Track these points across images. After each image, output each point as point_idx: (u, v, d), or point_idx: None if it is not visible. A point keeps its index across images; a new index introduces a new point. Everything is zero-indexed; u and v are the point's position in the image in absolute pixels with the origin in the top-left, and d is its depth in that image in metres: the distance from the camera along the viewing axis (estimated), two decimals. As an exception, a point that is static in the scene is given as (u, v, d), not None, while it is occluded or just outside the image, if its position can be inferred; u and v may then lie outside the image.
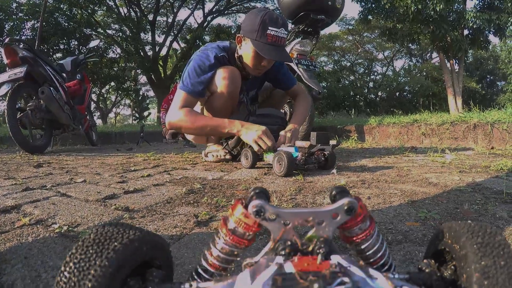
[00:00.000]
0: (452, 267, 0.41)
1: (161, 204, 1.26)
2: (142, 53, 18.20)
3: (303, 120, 2.53)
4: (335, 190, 0.47)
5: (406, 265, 0.72)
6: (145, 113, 22.43)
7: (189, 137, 2.74)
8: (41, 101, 3.62)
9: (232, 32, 19.06)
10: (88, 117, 5.01)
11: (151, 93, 28.42)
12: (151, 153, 3.37)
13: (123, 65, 20.24)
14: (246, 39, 2.17)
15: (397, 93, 27.02)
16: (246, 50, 2.19)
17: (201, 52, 2.26)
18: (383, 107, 24.21)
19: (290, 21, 3.88)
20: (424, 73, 27.15)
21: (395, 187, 1.52)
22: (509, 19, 10.97)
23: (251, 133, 2.05)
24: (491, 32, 12.23)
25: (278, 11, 4.53)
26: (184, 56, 18.54)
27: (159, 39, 20.84)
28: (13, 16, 13.98)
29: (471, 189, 1.44)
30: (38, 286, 0.64)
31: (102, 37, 17.14)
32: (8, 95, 3.31)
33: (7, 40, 3.51)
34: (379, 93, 27.46)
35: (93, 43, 8.32)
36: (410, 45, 18.41)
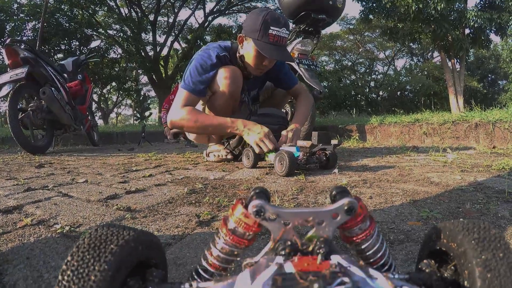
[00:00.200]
0: (452, 267, 0.41)
1: (163, 204, 1.26)
2: (143, 53, 18.20)
3: (304, 119, 2.53)
4: (335, 190, 0.47)
5: (408, 264, 0.72)
6: (147, 113, 22.37)
7: (191, 137, 2.74)
8: (43, 101, 3.63)
9: (233, 32, 19.05)
10: (89, 117, 5.02)
11: (152, 93, 28.44)
12: (153, 153, 3.37)
13: (124, 65, 20.24)
14: (247, 39, 2.17)
15: (398, 93, 26.99)
16: (248, 50, 2.19)
17: (203, 52, 2.26)
18: (384, 107, 24.17)
19: (291, 20, 3.87)
20: (425, 73, 27.08)
21: (397, 186, 1.52)
22: (510, 18, 10.96)
23: (253, 134, 2.05)
24: (492, 31, 12.21)
25: (279, 11, 4.52)
26: (185, 56, 18.55)
27: (160, 39, 20.91)
28: (14, 17, 14.00)
29: (473, 188, 1.43)
30: (40, 286, 0.64)
31: (103, 37, 17.15)
32: (9, 95, 3.32)
33: (8, 41, 3.51)
34: (380, 93, 27.42)
35: (94, 44, 8.33)
36: (411, 44, 18.41)
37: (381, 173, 1.92)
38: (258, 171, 2.09)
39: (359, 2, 13.24)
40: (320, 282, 0.30)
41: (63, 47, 15.18)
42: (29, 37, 13.94)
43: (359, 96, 24.47)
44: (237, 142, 2.47)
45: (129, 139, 6.74)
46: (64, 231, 0.94)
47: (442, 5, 10.34)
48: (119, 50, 18.46)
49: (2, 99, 8.10)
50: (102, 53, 16.41)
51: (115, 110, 35.14)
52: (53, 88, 3.69)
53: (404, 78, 27.47)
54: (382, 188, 1.49)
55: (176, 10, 20.16)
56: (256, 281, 0.33)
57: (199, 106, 2.38)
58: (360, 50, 28.33)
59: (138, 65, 18.28)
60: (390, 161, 2.50)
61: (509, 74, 24.12)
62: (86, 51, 14.59)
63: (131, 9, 18.90)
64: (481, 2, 12.55)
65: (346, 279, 0.32)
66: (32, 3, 14.26)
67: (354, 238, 0.45)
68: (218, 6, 19.90)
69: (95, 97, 22.02)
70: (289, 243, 0.41)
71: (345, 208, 0.42)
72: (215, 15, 20.31)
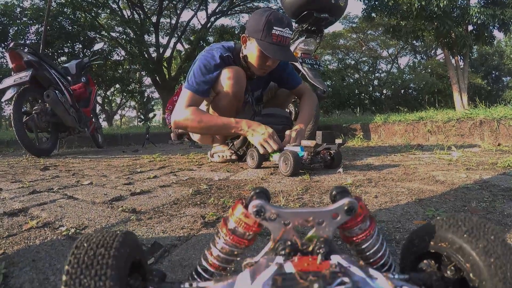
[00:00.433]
0: (452, 267, 0.42)
1: (168, 205, 1.26)
2: (146, 55, 18.24)
3: (309, 119, 2.52)
4: (335, 190, 0.48)
5: (415, 263, 0.71)
6: (150, 115, 22.47)
7: (195, 137, 2.74)
8: (47, 104, 3.64)
9: (236, 32, 19.06)
10: (93, 119, 5.04)
11: (156, 95, 28.59)
12: (157, 155, 3.37)
13: (127, 67, 20.28)
14: (251, 39, 2.17)
15: (402, 91, 26.88)
16: (251, 50, 2.19)
17: (207, 52, 2.27)
18: (388, 105, 24.08)
19: (294, 20, 3.87)
20: (429, 70, 26.98)
21: (402, 185, 1.52)
22: (513, 13, 10.89)
23: (257, 135, 2.06)
24: (495, 28, 12.12)
25: (281, 11, 4.52)
26: (188, 57, 18.56)
27: (163, 40, 20.89)
28: (17, 21, 14.04)
29: (478, 186, 1.43)
30: (46, 289, 0.65)
31: (106, 40, 17.20)
32: (14, 99, 3.34)
33: (11, 44, 3.53)
34: (384, 91, 27.33)
35: (97, 46, 8.38)
36: (414, 42, 18.33)
37: (386, 172, 1.91)
38: (262, 171, 2.09)
39: (362, 1, 13.19)
40: (320, 282, 0.31)
41: (66, 50, 15.22)
42: (33, 41, 13.99)
43: (363, 94, 24.41)
44: (241, 142, 2.47)
45: (133, 141, 6.76)
46: (70, 233, 0.94)
47: (445, 2, 10.29)
48: (122, 52, 18.52)
49: (7, 102, 8.14)
50: (105, 55, 16.46)
51: (119, 112, 35.29)
52: (57, 91, 3.70)
53: (407, 76, 27.35)
54: (387, 187, 1.49)
55: (178, 12, 20.19)
56: (256, 281, 0.33)
57: (203, 106, 2.38)
58: (363, 48, 28.26)
59: (142, 67, 18.30)
60: (394, 159, 2.49)
61: (514, 70, 24.02)
62: (89, 53, 14.73)
63: (134, 11, 18.95)
64: (484, -2, 12.50)
65: (346, 279, 0.32)
66: (35, 6, 14.31)
67: (354, 238, 0.46)
68: (220, 7, 19.92)
69: (99, 99, 22.14)
70: (289, 243, 0.41)
71: (345, 208, 0.42)
72: (218, 16, 20.31)
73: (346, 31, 26.86)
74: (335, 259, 0.37)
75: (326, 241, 0.41)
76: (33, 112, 3.66)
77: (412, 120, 4.72)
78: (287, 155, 1.85)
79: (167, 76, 19.39)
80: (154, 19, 19.42)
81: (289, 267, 0.35)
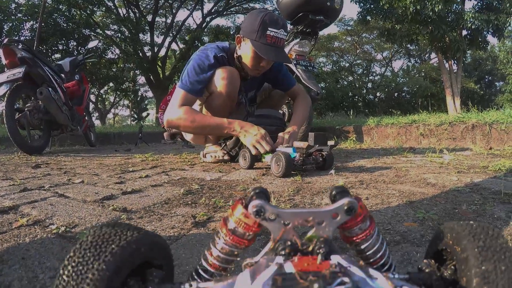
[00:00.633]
0: (452, 267, 0.41)
1: (159, 205, 1.25)
2: (141, 54, 18.18)
3: (303, 121, 2.53)
4: (335, 190, 0.48)
5: (404, 265, 0.72)
6: (144, 114, 22.31)
7: (188, 137, 2.73)
8: (40, 101, 3.62)
9: (231, 33, 19.04)
10: (86, 117, 5.01)
11: (150, 94, 28.39)
12: (150, 154, 3.36)
13: (121, 65, 20.20)
14: (245, 40, 2.17)
15: (396, 94, 27.01)
16: (246, 51, 2.20)
17: (201, 52, 2.26)
18: (381, 108, 24.19)
19: (289, 21, 3.88)
20: (423, 74, 27.15)
21: (393, 187, 1.52)
22: (507, 19, 10.97)
23: (249, 136, 2.06)
24: (489, 33, 12.23)
25: (277, 12, 4.53)
26: (183, 57, 18.52)
27: (158, 40, 20.85)
28: (12, 17, 13.93)
29: (469, 189, 1.44)
30: (35, 286, 0.64)
31: (101, 37, 17.08)
32: (6, 95, 3.31)
33: (5, 40, 3.50)
34: (378, 94, 27.45)
35: (91, 44, 8.32)
36: (408, 45, 18.40)
37: (378, 174, 1.92)
38: (254, 172, 2.09)
39: (357, 4, 13.25)
40: (320, 282, 0.31)
41: (60, 47, 15.12)
42: (27, 37, 13.89)
43: (357, 97, 24.48)
44: (234, 143, 2.47)
45: (126, 140, 6.72)
46: (60, 232, 0.94)
47: (440, 7, 10.35)
48: (117, 51, 18.42)
49: (-1, 99, 8.06)
50: (100, 53, 16.38)
51: (113, 110, 35.13)
52: (50, 89, 3.67)
53: (401, 79, 27.50)
54: (378, 189, 1.50)
55: (174, 11, 20.16)
56: (256, 281, 0.33)
57: (196, 106, 2.38)
58: (358, 51, 28.37)
59: (136, 66, 18.22)
60: (386, 162, 2.50)
61: (506, 75, 24.16)
62: (83, 51, 14.66)
63: (129, 10, 18.88)
64: (479, 4, 12.59)
65: (346, 279, 0.32)
66: (30, 3, 14.19)
67: (354, 238, 0.46)
68: (216, 7, 19.90)
69: (92, 97, 22.00)
70: (289, 243, 0.41)
71: (345, 208, 0.42)
72: (213, 16, 20.29)
73: (341, 33, 26.96)
74: (335, 259, 0.37)
75: (326, 241, 0.41)
76: (26, 109, 3.63)
77: (405, 123, 4.74)
78: (279, 156, 1.85)
79: (161, 75, 19.34)
80: (149, 18, 19.38)
81: (289, 267, 0.35)
